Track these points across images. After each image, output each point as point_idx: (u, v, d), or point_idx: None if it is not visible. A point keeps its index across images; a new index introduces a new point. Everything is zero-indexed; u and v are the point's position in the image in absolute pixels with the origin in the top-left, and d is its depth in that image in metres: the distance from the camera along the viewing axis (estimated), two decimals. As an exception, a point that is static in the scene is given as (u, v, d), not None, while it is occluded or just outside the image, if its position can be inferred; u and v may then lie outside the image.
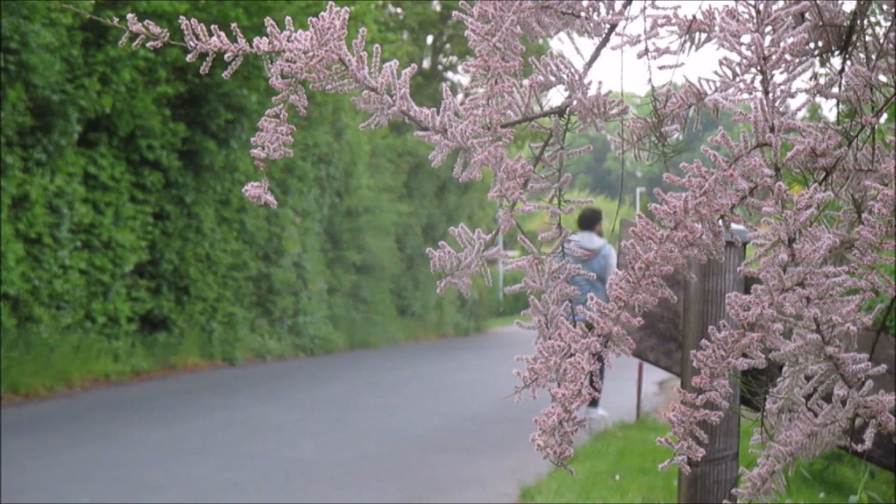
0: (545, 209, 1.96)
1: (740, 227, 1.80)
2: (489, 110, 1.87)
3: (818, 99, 1.85)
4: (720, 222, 1.77)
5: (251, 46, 1.90)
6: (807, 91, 1.80)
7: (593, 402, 13.99)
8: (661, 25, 1.89)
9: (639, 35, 1.89)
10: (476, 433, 12.16)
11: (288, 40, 1.89)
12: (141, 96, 16.78)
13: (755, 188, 1.75)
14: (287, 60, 1.88)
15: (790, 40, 1.76)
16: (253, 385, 16.57)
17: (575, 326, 1.79)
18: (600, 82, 1.91)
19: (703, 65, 1.94)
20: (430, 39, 34.51)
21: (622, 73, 1.98)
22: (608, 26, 1.93)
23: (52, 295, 15.60)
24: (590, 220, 12.61)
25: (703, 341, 1.75)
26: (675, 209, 1.74)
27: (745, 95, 1.78)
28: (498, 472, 9.83)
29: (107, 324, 16.84)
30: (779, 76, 1.77)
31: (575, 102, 1.91)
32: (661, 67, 1.90)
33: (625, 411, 13.27)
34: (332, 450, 10.93)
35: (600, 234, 12.70)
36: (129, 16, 1.91)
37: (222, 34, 1.91)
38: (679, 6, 1.89)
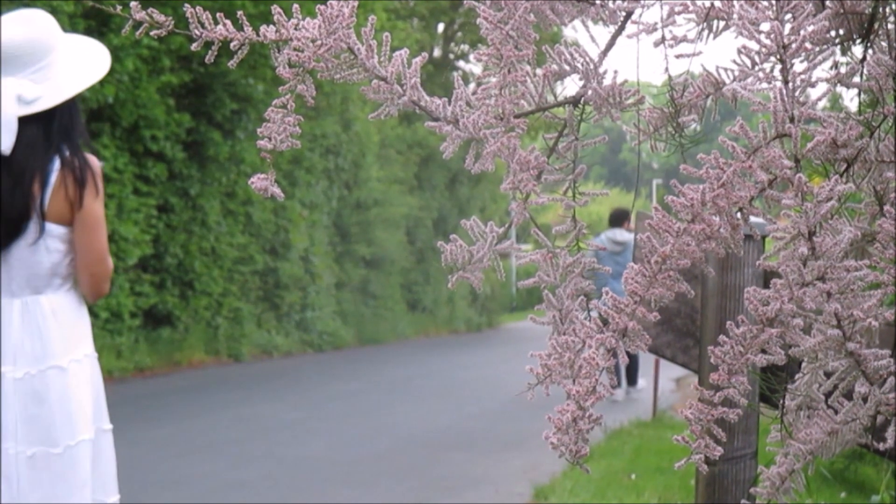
0: (559, 201, 1.94)
1: (759, 219, 1.77)
2: (502, 100, 1.84)
3: (839, 88, 1.82)
4: (738, 215, 1.75)
5: (258, 35, 1.87)
6: (827, 80, 1.77)
7: (632, 381, 14.38)
8: (679, 13, 1.86)
9: (655, 23, 1.86)
10: (488, 431, 12.14)
11: (295, 28, 1.86)
12: (144, 86, 16.71)
13: (774, 180, 1.72)
14: (294, 49, 1.85)
15: (810, 28, 1.73)
16: (259, 382, 16.56)
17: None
18: (616, 71, 1.88)
19: (721, 53, 1.91)
20: (441, 27, 34.46)
21: (638, 62, 1.94)
22: (624, 14, 1.90)
23: (54, 289, 15.55)
24: (619, 218, 14.19)
25: (721, 337, 1.72)
26: (693, 201, 1.72)
27: (765, 85, 1.75)
28: (511, 471, 9.79)
29: (109, 319, 16.78)
30: (799, 65, 1.74)
31: (590, 92, 1.88)
32: (678, 56, 1.88)
33: (641, 409, 13.24)
34: (340, 448, 10.91)
35: (630, 231, 13.34)
36: (133, 3, 1.88)
37: (228, 22, 1.88)
38: (696, -7, 1.86)
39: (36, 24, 4.06)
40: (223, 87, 18.83)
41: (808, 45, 1.73)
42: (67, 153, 4.08)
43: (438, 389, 16.08)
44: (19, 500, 3.96)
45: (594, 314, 1.83)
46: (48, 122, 4.06)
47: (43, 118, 4.05)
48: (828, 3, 1.86)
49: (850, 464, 7.58)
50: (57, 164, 4.06)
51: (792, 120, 1.70)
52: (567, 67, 1.91)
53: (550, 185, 1.94)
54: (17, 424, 3.98)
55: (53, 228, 4.06)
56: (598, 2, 1.90)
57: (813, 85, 1.74)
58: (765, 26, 1.75)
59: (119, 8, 1.90)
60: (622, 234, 13.92)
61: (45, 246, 4.06)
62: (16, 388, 3.99)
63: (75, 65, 4.12)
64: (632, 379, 14.64)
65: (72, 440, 4.04)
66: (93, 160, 4.13)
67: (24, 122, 4.02)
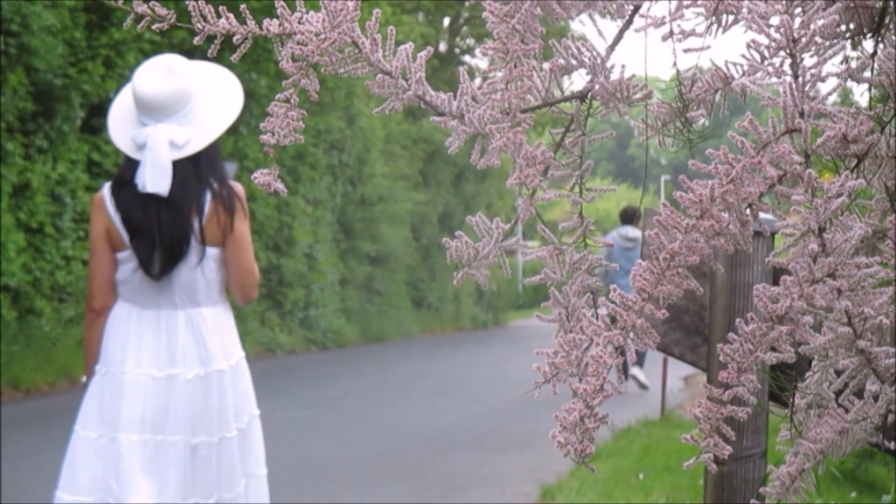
0: (566, 197, 1.93)
1: (769, 216, 1.76)
2: (508, 95, 1.83)
3: (849, 83, 1.80)
4: (748, 211, 1.73)
5: (261, 28, 1.86)
6: (838, 75, 1.75)
7: (638, 361, 14.35)
8: (687, 7, 1.84)
9: (663, 17, 1.84)
10: (494, 430, 12.10)
11: (299, 22, 1.85)
12: (147, 81, 16.62)
13: (784, 176, 1.71)
14: (298, 43, 1.84)
15: (820, 22, 1.72)
16: (262, 380, 16.34)
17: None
18: (623, 66, 1.86)
19: (730, 48, 1.90)
20: (446, 21, 34.38)
21: (646, 57, 1.93)
22: (632, 7, 1.89)
23: (54, 287, 15.43)
24: (630, 216, 14.69)
25: (731, 335, 1.71)
26: (701, 197, 1.70)
27: (774, 79, 1.74)
28: (517, 470, 9.75)
29: (112, 318, 16.68)
30: (809, 59, 1.73)
31: (597, 87, 1.87)
32: (686, 50, 1.86)
33: (649, 408, 13.18)
34: (344, 448, 10.88)
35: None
36: (135, -3, 1.87)
37: (231, 16, 1.87)
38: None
39: (178, 73, 4.54)
40: (226, 82, 18.73)
41: (818, 39, 1.72)
42: (216, 185, 4.63)
43: (444, 388, 16.05)
44: (188, 482, 4.59)
45: (602, 311, 1.82)
46: (197, 159, 4.58)
47: (192, 156, 4.56)
48: (838, -4, 1.84)
49: (861, 463, 7.57)
50: (209, 195, 4.61)
51: (802, 115, 1.69)
52: (574, 62, 1.89)
53: (557, 181, 1.92)
54: (185, 420, 4.59)
55: (210, 251, 4.64)
56: (605, -5, 1.89)
57: (823, 80, 1.72)
58: (774, 20, 1.73)
59: (121, 2, 1.88)
60: (634, 231, 14.17)
61: (203, 266, 4.64)
62: (187, 388, 4.61)
63: (216, 102, 4.63)
64: (638, 362, 14.54)
65: (228, 432, 4.67)
66: (237, 187, 4.73)
67: (176, 161, 4.53)
